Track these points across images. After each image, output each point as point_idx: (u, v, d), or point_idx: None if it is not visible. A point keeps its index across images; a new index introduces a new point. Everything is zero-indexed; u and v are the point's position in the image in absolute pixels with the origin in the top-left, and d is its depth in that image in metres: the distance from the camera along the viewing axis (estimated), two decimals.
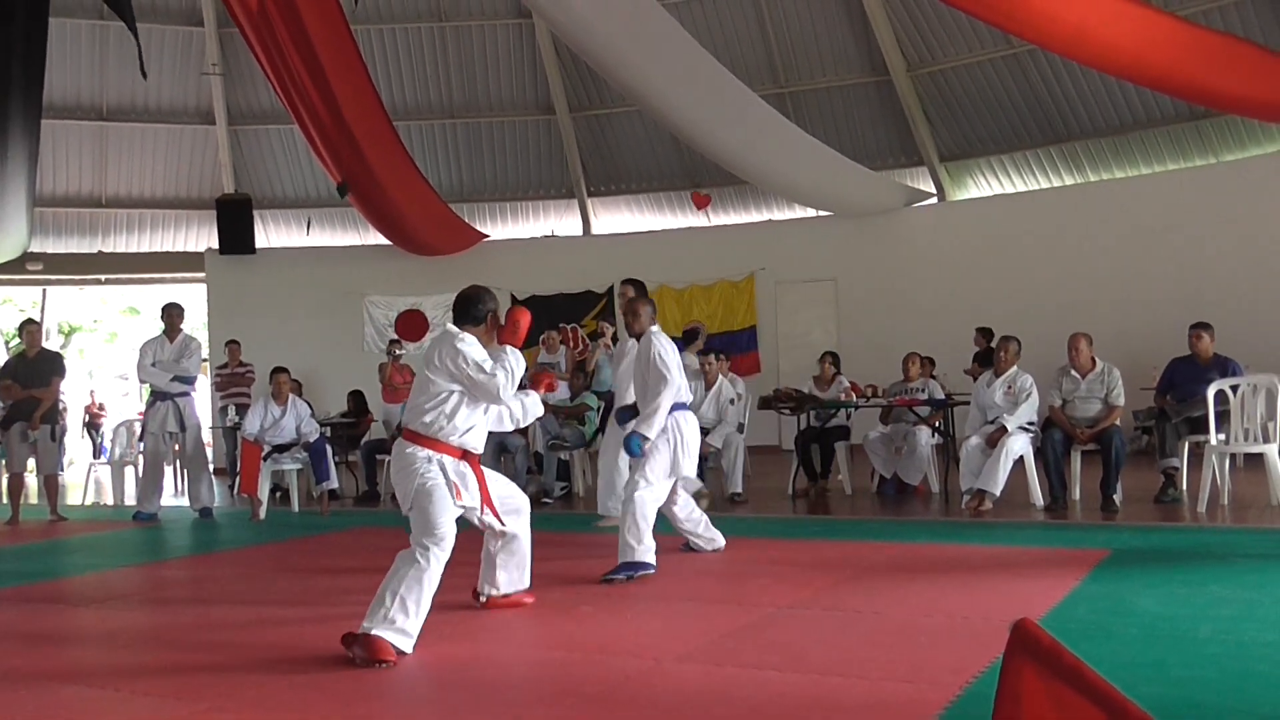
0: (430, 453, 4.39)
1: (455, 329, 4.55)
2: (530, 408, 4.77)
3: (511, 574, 4.94)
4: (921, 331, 12.94)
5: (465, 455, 4.47)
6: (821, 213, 15.04)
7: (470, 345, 4.46)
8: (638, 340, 6.33)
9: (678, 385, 6.04)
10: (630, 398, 7.36)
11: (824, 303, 14.93)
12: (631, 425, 6.13)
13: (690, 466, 6.14)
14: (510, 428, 4.89)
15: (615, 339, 11.22)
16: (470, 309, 4.59)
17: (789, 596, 4.99)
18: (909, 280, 14.29)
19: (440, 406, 4.42)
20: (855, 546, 6.48)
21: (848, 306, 14.61)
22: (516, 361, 4.50)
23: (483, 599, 4.96)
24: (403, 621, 4.09)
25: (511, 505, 4.80)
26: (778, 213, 15.64)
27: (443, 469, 4.38)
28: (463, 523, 4.54)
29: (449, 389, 4.42)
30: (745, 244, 15.26)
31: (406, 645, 4.09)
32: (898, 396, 9.15)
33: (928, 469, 9.02)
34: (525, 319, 4.68)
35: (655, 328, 6.31)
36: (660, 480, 5.98)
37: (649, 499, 5.89)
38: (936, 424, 8.97)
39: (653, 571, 5.73)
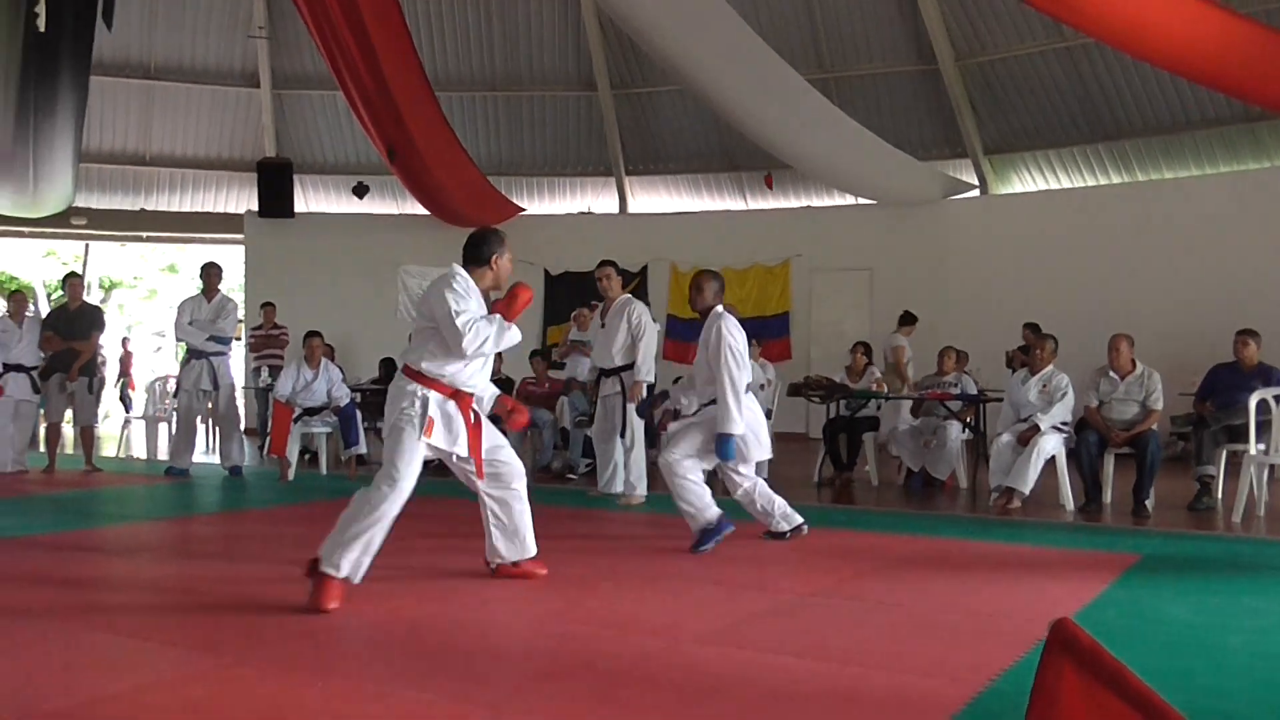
0: (418, 387, 4.45)
1: (457, 268, 4.62)
2: (493, 343, 4.57)
3: (510, 542, 4.91)
4: (957, 326, 12.84)
5: (456, 394, 4.50)
6: (861, 201, 14.93)
7: (457, 290, 4.48)
8: (702, 318, 6.10)
9: (744, 371, 5.89)
10: (611, 362, 7.53)
11: (859, 292, 14.83)
12: (692, 420, 6.09)
13: (763, 451, 6.09)
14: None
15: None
16: (475, 249, 4.67)
17: (811, 584, 4.96)
18: (946, 273, 14.17)
19: (427, 343, 4.49)
20: (879, 538, 6.44)
21: (883, 297, 14.50)
22: (499, 330, 4.48)
23: (492, 567, 5.00)
24: (340, 549, 4.26)
25: (495, 468, 4.76)
26: (817, 199, 15.53)
27: (425, 405, 4.43)
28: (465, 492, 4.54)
29: (432, 327, 4.50)
30: (783, 230, 15.18)
31: (340, 572, 4.26)
32: (929, 389, 9.09)
33: (957, 464, 8.95)
34: (525, 295, 4.66)
35: (720, 306, 6.06)
36: (693, 451, 5.94)
37: (684, 461, 5.88)
38: (968, 419, 8.90)
39: (732, 529, 5.85)
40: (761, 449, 6.07)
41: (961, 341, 10.78)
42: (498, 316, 4.53)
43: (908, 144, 14.18)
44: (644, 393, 7.65)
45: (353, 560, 4.28)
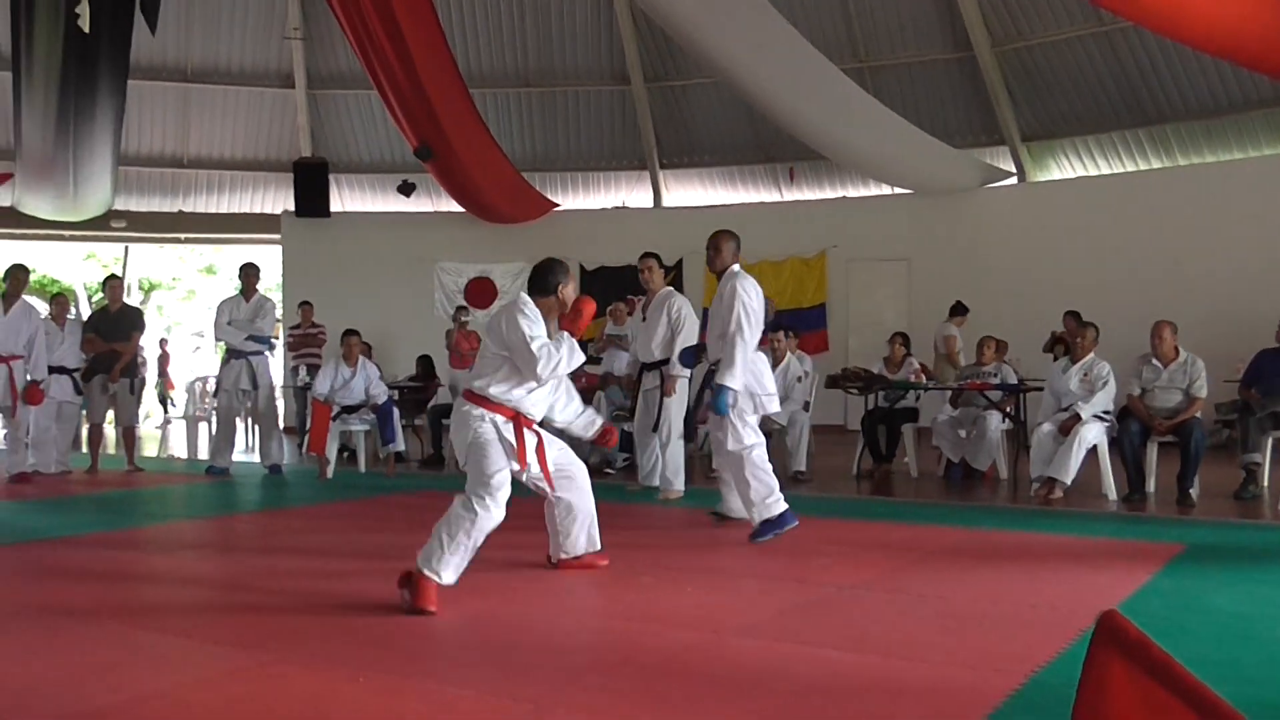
0: (483, 411, 4.56)
1: (525, 297, 4.72)
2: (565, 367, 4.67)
3: (577, 537, 5.07)
4: (996, 315, 12.70)
5: (516, 417, 4.59)
6: (897, 190, 14.84)
7: (529, 317, 4.59)
8: (719, 278, 6.23)
9: (756, 330, 5.95)
10: (652, 356, 7.52)
11: (896, 283, 14.75)
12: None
13: (774, 403, 6.15)
14: (566, 418, 5.01)
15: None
16: (541, 279, 4.75)
17: (851, 576, 4.94)
18: (985, 262, 14.04)
19: (495, 371, 4.60)
20: (920, 530, 6.41)
21: (920, 287, 14.40)
22: (570, 351, 4.60)
23: (554, 561, 5.12)
24: (441, 558, 4.33)
25: (565, 472, 4.93)
26: (852, 190, 15.46)
27: (495, 426, 4.54)
28: (527, 490, 4.61)
29: (504, 354, 4.59)
30: (819, 221, 15.11)
31: (448, 579, 4.34)
32: (969, 379, 9.02)
33: (997, 455, 8.87)
34: (589, 309, 4.76)
35: (737, 266, 6.17)
36: (753, 429, 6.02)
37: (756, 453, 5.93)
38: (1008, 409, 8.82)
39: (796, 524, 5.89)
40: (772, 401, 6.14)
41: (1001, 331, 10.66)
42: (566, 336, 4.66)
43: (944, 132, 14.07)
44: (678, 388, 7.66)
45: (455, 566, 4.39)
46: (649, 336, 7.81)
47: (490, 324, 4.73)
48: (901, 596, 4.55)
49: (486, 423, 4.54)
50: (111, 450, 11.62)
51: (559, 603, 4.54)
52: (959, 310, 12.22)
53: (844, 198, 15.47)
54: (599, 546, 5.14)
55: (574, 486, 4.99)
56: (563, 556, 5.10)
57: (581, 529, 5.06)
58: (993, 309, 13.19)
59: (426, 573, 4.30)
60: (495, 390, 4.58)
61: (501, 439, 4.53)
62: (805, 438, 9.17)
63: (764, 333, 6.42)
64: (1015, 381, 8.96)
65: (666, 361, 7.71)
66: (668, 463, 7.79)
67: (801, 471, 8.99)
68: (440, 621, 4.14)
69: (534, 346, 4.50)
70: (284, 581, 4.92)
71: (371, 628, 4.04)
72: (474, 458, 4.51)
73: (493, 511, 4.43)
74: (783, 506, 5.92)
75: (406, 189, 16.03)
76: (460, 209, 15.90)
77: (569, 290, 4.79)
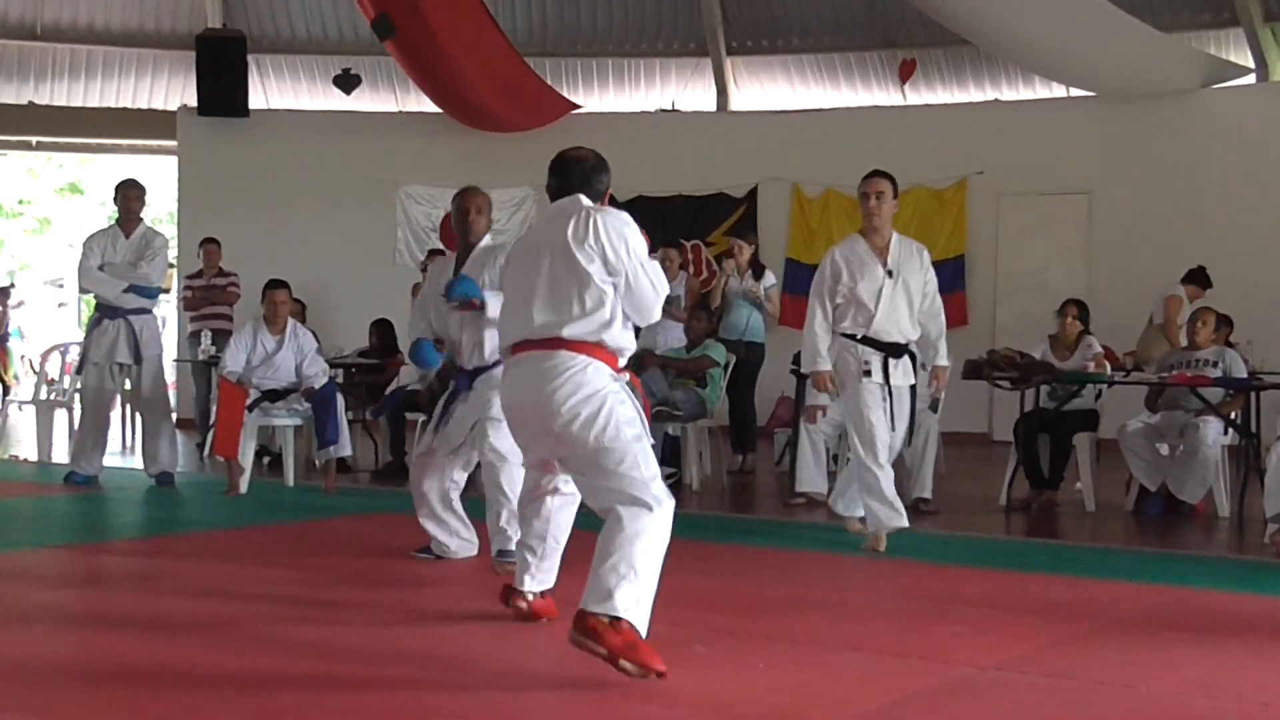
0: (603, 365, 4.60)
1: (604, 206, 4.81)
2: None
3: (553, 563, 5.24)
4: (1221, 277, 12.56)
5: (627, 375, 4.72)
6: (1074, 92, 14.74)
7: (637, 230, 4.67)
8: None
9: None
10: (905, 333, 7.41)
11: (1070, 227, 14.67)
12: None
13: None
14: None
15: (757, 265, 11.17)
16: (593, 178, 4.83)
17: (996, 653, 4.94)
18: (1205, 198, 13.92)
19: (599, 307, 4.60)
20: (1098, 586, 6.39)
21: (1105, 234, 14.29)
22: (658, 274, 4.74)
23: (525, 602, 5.19)
24: (646, 601, 4.34)
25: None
26: (1007, 90, 15.36)
27: (625, 389, 4.64)
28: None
29: (608, 283, 4.60)
30: (956, 135, 15.02)
31: (644, 625, 4.36)
32: (1175, 371, 8.94)
33: (1214, 481, 8.81)
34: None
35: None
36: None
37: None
38: (1233, 415, 8.75)
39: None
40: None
41: (1227, 301, 10.57)
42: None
43: (1150, 8, 13.95)
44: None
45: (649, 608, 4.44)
46: (898, 303, 7.47)
47: (575, 237, 4.63)
48: (1069, 684, 4.53)
49: (620, 386, 4.62)
50: None
51: (565, 674, 4.54)
52: (1198, 279, 11.92)
53: (995, 101, 15.38)
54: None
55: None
56: (534, 593, 5.21)
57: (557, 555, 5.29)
58: (1216, 268, 13.05)
59: (635, 620, 4.30)
60: (611, 336, 4.63)
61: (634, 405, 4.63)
62: (932, 451, 9.15)
63: None
64: (1244, 375, 8.88)
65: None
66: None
67: (925, 499, 8.96)
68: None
69: (658, 276, 4.66)
70: (171, 650, 4.92)
71: None
72: (614, 446, 4.49)
73: (669, 516, 4.49)
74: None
75: (347, 83, 16.02)
76: (435, 109, 15.92)
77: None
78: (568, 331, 4.58)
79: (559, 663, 4.60)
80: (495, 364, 6.10)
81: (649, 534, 4.37)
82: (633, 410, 4.58)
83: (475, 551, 6.66)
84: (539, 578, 5.22)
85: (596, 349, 4.59)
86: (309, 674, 4.49)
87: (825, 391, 7.51)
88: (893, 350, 7.29)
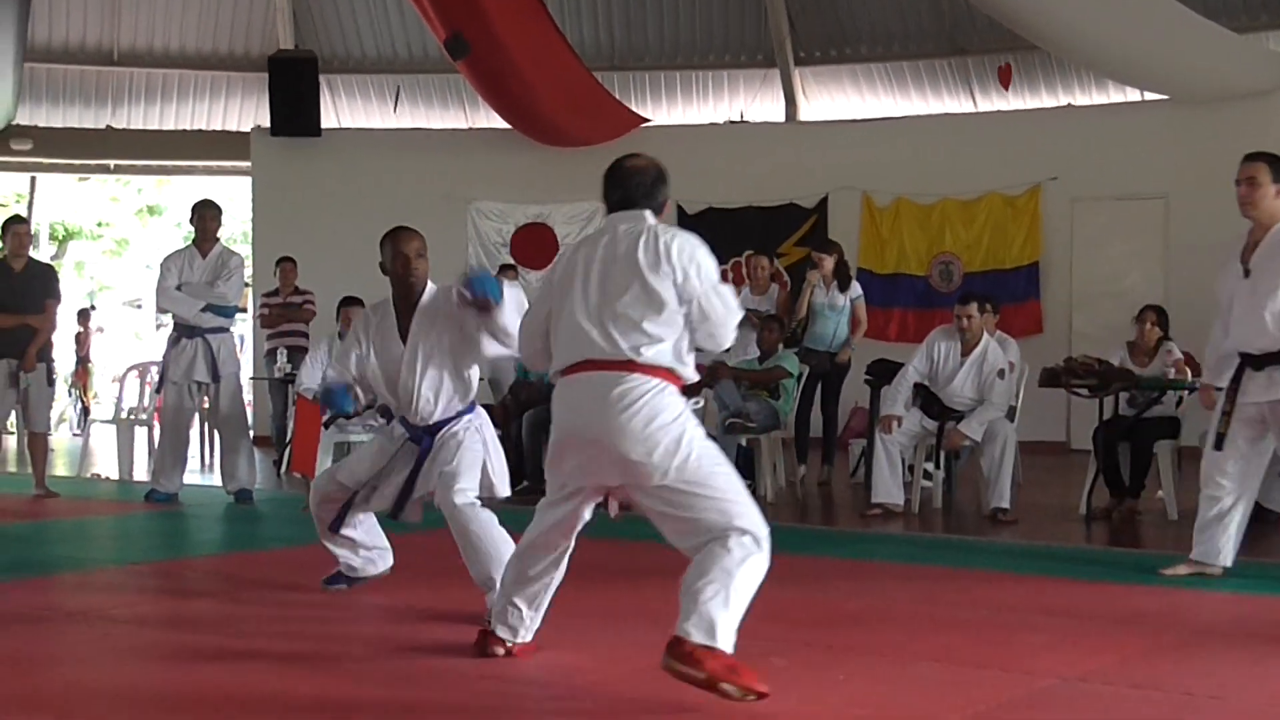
0: (672, 386, 4.52)
1: (672, 228, 4.69)
2: None
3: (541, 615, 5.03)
4: None
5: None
6: (1149, 96, 14.61)
7: (708, 252, 4.59)
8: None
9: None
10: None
11: (1146, 232, 14.57)
12: None
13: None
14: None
15: (843, 275, 11.11)
16: (655, 190, 4.71)
17: (1079, 664, 4.89)
18: None
19: (670, 331, 4.51)
20: (1183, 596, 6.35)
21: (1182, 239, 14.13)
22: (729, 298, 4.67)
23: (511, 644, 4.97)
24: (727, 621, 4.23)
25: None
26: (1080, 95, 15.26)
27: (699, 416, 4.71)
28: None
29: (680, 308, 4.53)
30: (1029, 141, 14.96)
31: (732, 645, 4.26)
32: None
33: None
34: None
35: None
36: None
37: None
38: None
39: None
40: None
41: None
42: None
43: (1224, 10, 13.82)
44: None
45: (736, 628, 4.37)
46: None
47: (647, 258, 4.52)
48: (1156, 695, 4.49)
49: (691, 410, 4.59)
50: (11, 466, 11.89)
51: (643, 690, 4.53)
52: None
53: (1068, 107, 15.27)
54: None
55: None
56: (523, 639, 4.99)
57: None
58: None
59: (724, 647, 4.22)
60: (682, 360, 4.57)
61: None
62: (1010, 460, 9.10)
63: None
64: None
65: None
66: None
67: (1004, 509, 8.93)
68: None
69: (728, 296, 4.59)
70: (250, 670, 4.97)
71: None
72: (705, 470, 4.43)
73: (767, 547, 4.43)
74: None
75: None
76: (505, 125, 15.99)
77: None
78: (643, 355, 4.47)
79: (655, 686, 4.60)
80: (456, 416, 6.02)
81: (753, 565, 4.30)
82: (705, 435, 4.52)
83: (390, 562, 6.44)
84: (522, 634, 4.97)
85: (668, 373, 4.51)
86: (385, 702, 4.50)
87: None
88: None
